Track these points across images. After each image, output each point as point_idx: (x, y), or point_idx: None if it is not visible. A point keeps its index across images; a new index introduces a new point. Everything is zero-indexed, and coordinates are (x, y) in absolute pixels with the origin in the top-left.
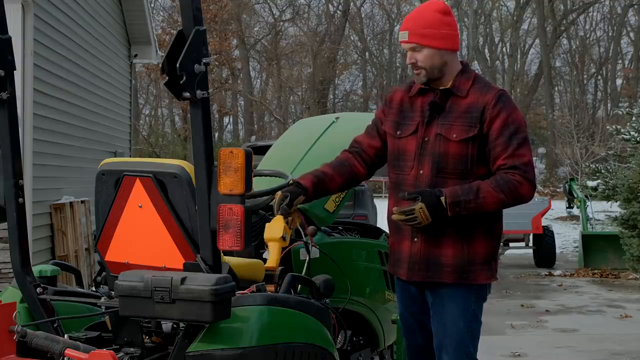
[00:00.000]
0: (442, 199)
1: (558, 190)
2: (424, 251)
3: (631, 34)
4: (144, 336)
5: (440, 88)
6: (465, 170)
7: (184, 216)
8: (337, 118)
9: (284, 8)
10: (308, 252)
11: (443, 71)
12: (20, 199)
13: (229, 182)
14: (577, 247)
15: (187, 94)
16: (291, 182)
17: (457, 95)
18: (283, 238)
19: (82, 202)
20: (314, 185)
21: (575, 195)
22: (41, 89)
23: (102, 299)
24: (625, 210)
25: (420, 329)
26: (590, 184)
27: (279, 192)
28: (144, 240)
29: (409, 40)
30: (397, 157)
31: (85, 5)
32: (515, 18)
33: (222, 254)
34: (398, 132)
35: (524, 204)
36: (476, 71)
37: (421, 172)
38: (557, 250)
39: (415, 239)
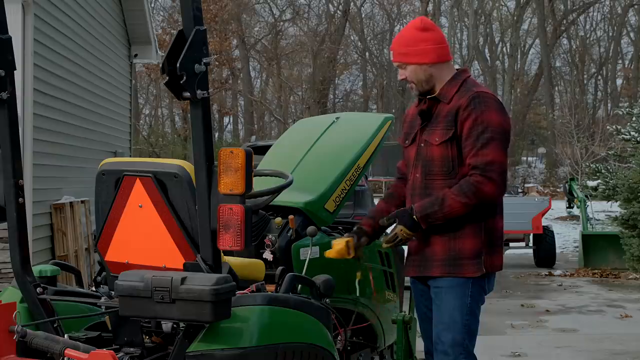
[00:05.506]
0: (414, 216)
1: (558, 190)
2: (419, 249)
3: (631, 34)
4: (144, 336)
5: (428, 97)
6: (449, 171)
7: (184, 216)
8: (337, 118)
9: (284, 8)
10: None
11: (431, 82)
12: (20, 199)
13: (229, 182)
14: (577, 247)
15: (187, 94)
16: (356, 227)
17: (442, 102)
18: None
19: (82, 202)
20: (372, 227)
21: (576, 195)
22: (41, 89)
23: (102, 299)
24: (625, 210)
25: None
26: (591, 184)
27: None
28: (144, 240)
29: (394, 60)
30: (407, 164)
31: (85, 5)
32: (515, 18)
33: (222, 254)
34: (406, 142)
35: (493, 202)
36: (472, 75)
37: (417, 175)
38: (557, 250)
39: (414, 238)
